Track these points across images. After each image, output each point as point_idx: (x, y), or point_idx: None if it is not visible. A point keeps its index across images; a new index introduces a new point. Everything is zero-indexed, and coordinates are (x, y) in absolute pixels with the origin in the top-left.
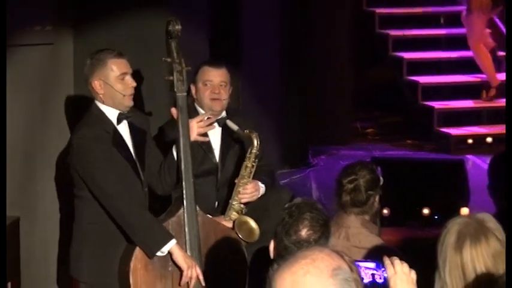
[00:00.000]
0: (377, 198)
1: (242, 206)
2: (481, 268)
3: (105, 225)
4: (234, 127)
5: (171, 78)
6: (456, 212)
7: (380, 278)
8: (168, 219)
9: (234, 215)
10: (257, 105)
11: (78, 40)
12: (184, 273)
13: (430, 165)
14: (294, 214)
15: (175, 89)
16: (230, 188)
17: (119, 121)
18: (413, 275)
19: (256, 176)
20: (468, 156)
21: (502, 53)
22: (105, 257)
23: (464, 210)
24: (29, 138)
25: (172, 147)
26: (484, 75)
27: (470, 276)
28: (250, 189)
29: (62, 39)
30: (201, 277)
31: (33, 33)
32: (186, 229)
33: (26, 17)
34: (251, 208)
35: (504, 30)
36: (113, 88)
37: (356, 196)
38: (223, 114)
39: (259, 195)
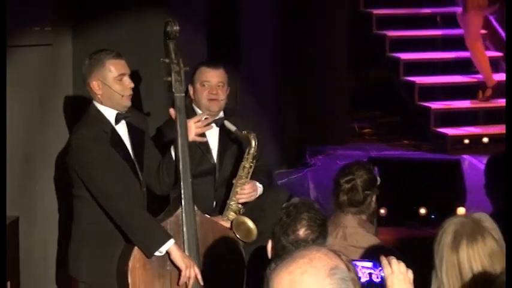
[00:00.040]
0: (374, 198)
1: (240, 206)
2: (477, 267)
3: (104, 225)
4: (232, 128)
5: (169, 78)
6: (453, 212)
7: (377, 278)
8: (167, 218)
9: (231, 215)
10: (255, 105)
11: (77, 41)
12: (183, 273)
13: (426, 165)
14: (292, 214)
15: (173, 90)
16: (228, 188)
17: (117, 121)
18: (410, 274)
19: (254, 176)
20: (464, 156)
21: (499, 54)
22: (103, 256)
23: (461, 210)
24: (28, 138)
25: (170, 147)
26: (480, 76)
27: (467, 275)
28: (248, 190)
29: (61, 40)
30: (199, 277)
31: (32, 34)
32: (184, 229)
33: (25, 18)
34: (249, 208)
35: (501, 31)
36: (111, 89)
37: (353, 196)
38: (221, 114)
39: (257, 196)
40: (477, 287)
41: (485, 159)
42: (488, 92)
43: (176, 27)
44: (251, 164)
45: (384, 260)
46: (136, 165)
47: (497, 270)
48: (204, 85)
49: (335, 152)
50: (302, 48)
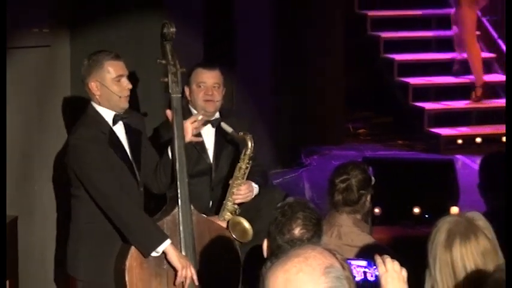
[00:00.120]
0: (368, 197)
1: (236, 206)
2: (470, 266)
3: (102, 225)
4: (229, 129)
5: (165, 79)
6: (446, 211)
7: (371, 276)
8: (163, 218)
9: (227, 215)
10: (251, 106)
11: (75, 42)
12: (179, 273)
13: (420, 165)
14: (287, 213)
15: (170, 91)
16: (224, 187)
17: (115, 122)
18: (404, 273)
19: (250, 177)
20: (458, 156)
21: (492, 55)
22: (101, 255)
23: (454, 209)
24: (26, 138)
25: (167, 148)
26: (473, 77)
27: (460, 274)
28: (243, 191)
29: (59, 41)
30: (194, 277)
31: (31, 36)
32: (181, 228)
33: (24, 20)
34: (244, 208)
35: (493, 32)
36: (109, 90)
37: (348, 195)
38: (217, 115)
39: (252, 196)
40: (470, 285)
41: (478, 159)
42: (479, 92)
43: (173, 29)
44: (247, 165)
45: (378, 259)
46: (134, 166)
47: (490, 269)
48: (200, 86)
49: (330, 152)
50: (297, 50)
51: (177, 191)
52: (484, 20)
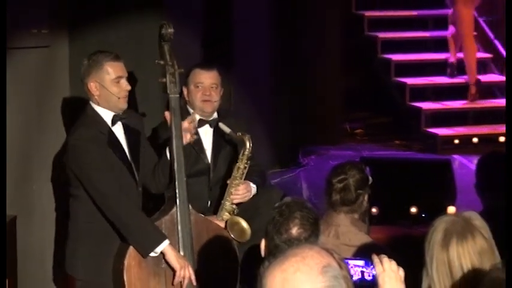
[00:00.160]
0: (366, 197)
1: (234, 206)
2: (467, 265)
3: (101, 224)
4: (227, 130)
5: (164, 80)
6: (443, 211)
7: (369, 276)
8: (162, 217)
9: (226, 215)
10: (249, 106)
11: (74, 43)
12: (177, 273)
13: (417, 165)
14: (285, 213)
15: (168, 91)
16: (222, 187)
17: (114, 122)
18: (401, 272)
19: (248, 177)
20: (455, 156)
21: (488, 55)
22: (100, 255)
23: (451, 209)
24: (25, 138)
25: (165, 148)
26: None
27: (457, 273)
28: (242, 191)
29: (57, 42)
30: (192, 277)
31: (30, 36)
32: (179, 227)
33: (23, 20)
34: (242, 207)
35: (489, 33)
36: (108, 91)
37: (345, 195)
38: (215, 115)
39: (250, 196)
40: (467, 284)
41: (475, 159)
42: (473, 89)
43: (171, 30)
44: (245, 165)
45: (375, 259)
46: (133, 166)
47: (487, 268)
48: (197, 87)
49: (327, 152)
50: (295, 50)
51: (175, 191)
52: (481, 20)
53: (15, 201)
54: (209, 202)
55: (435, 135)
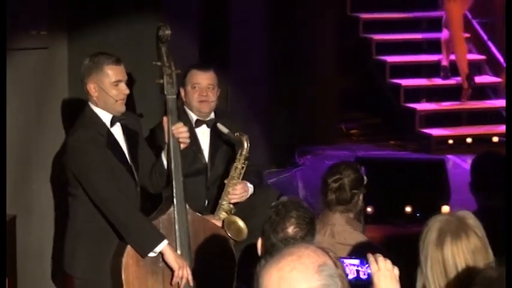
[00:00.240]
0: (361, 196)
1: (231, 206)
2: (461, 264)
3: (99, 223)
4: (225, 130)
5: (161, 81)
6: (437, 210)
7: (364, 274)
8: (159, 217)
9: (223, 214)
10: (245, 107)
11: (73, 44)
12: (176, 273)
13: (412, 164)
14: (281, 212)
15: (165, 92)
16: (220, 187)
17: (112, 124)
18: (396, 271)
19: (245, 177)
20: (449, 156)
21: (481, 57)
22: (99, 254)
23: (445, 208)
24: (25, 139)
25: (162, 149)
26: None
27: (451, 271)
28: (239, 190)
29: (56, 44)
30: (190, 277)
31: (29, 38)
32: (176, 227)
33: (22, 22)
34: (239, 207)
35: (483, 34)
36: (107, 93)
37: (341, 195)
38: (212, 115)
39: (248, 196)
40: (461, 283)
41: (469, 159)
42: (465, 84)
43: (168, 32)
44: (243, 165)
45: (370, 258)
46: (132, 166)
47: (481, 267)
48: (194, 87)
49: (323, 152)
50: (291, 51)
51: (173, 191)
52: (474, 22)
53: (14, 200)
54: (206, 201)
55: (429, 136)
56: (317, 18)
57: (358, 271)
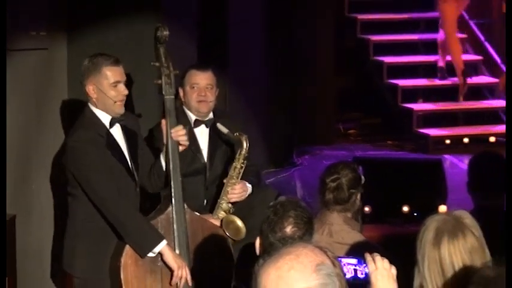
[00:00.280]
0: (359, 196)
1: (230, 205)
2: (458, 263)
3: (99, 223)
4: (225, 130)
5: (159, 81)
6: (434, 210)
7: (362, 274)
8: (157, 216)
9: (221, 213)
10: (243, 107)
11: (72, 45)
12: (175, 273)
13: (409, 164)
14: (279, 212)
15: (163, 92)
16: (219, 186)
17: (112, 124)
18: (393, 270)
19: (244, 177)
20: (446, 156)
21: (478, 57)
22: (98, 253)
23: (442, 208)
24: (24, 139)
25: (160, 150)
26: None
27: (448, 271)
28: (238, 190)
29: (56, 45)
30: (189, 277)
31: (28, 39)
32: (175, 226)
33: (21, 23)
34: (238, 206)
35: (480, 35)
36: (105, 95)
37: (339, 194)
38: (211, 115)
39: (246, 195)
40: (458, 282)
41: (465, 159)
42: (461, 80)
43: (166, 32)
44: (242, 165)
45: (368, 257)
46: (132, 167)
47: (477, 266)
48: (193, 87)
49: (321, 152)
50: (289, 52)
51: (171, 190)
52: (471, 23)
53: (14, 200)
54: (205, 201)
55: (427, 136)
56: (315, 19)
57: (355, 270)
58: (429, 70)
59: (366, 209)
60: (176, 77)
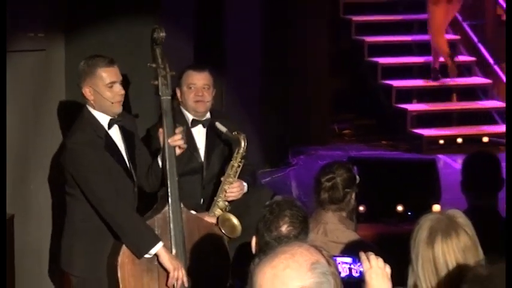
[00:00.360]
0: (353, 195)
1: (226, 203)
2: (451, 262)
3: (96, 222)
4: (223, 129)
5: (156, 82)
6: (428, 209)
7: (356, 272)
8: (154, 216)
9: (218, 211)
10: (239, 107)
11: (70, 46)
12: (171, 274)
13: (403, 164)
14: (275, 211)
15: (160, 93)
16: (215, 185)
17: (110, 126)
18: (387, 269)
19: (240, 176)
20: (440, 155)
21: (471, 59)
22: (96, 252)
23: (436, 207)
24: (22, 140)
25: (158, 151)
26: (456, 80)
27: (442, 269)
28: (236, 188)
29: (54, 46)
30: (185, 279)
31: (26, 40)
32: (171, 226)
33: (20, 24)
34: (234, 205)
35: (473, 36)
36: (102, 96)
37: (334, 194)
38: (208, 115)
39: (242, 194)
40: (451, 280)
41: (459, 159)
42: (449, 62)
43: (162, 34)
44: (239, 164)
45: (362, 256)
46: (130, 167)
47: (471, 265)
48: (190, 87)
49: (316, 152)
50: (285, 53)
51: (167, 190)
52: (465, 24)
53: (13, 200)
54: (202, 200)
55: (421, 136)
56: (310, 20)
57: (350, 269)
58: (423, 71)
59: (361, 208)
60: (173, 78)
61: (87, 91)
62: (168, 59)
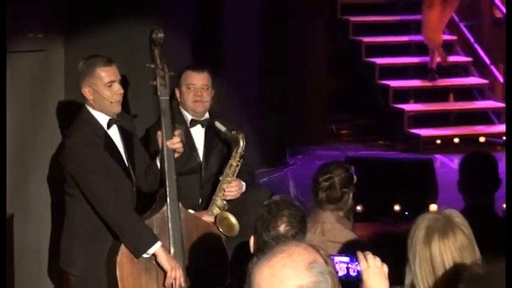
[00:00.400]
0: (351, 195)
1: (225, 202)
2: (448, 261)
3: (95, 222)
4: (222, 128)
5: (154, 83)
6: (425, 208)
7: (354, 272)
8: (153, 215)
9: (216, 210)
10: (237, 107)
11: (69, 47)
12: (168, 274)
13: (400, 164)
14: (273, 211)
15: (158, 93)
16: (214, 185)
17: (109, 126)
18: (385, 268)
19: (238, 175)
20: (436, 155)
21: (468, 59)
22: (95, 252)
23: (433, 207)
24: (22, 140)
25: (156, 151)
26: (452, 80)
27: (439, 268)
28: (234, 187)
29: (53, 46)
30: (182, 279)
31: (26, 40)
32: (170, 225)
33: (19, 25)
34: (232, 204)
35: (470, 36)
36: (101, 95)
37: (331, 193)
38: (206, 115)
39: (241, 193)
40: (448, 279)
41: (456, 159)
42: (441, 54)
43: (161, 35)
44: (238, 163)
45: (360, 255)
46: (129, 167)
47: (468, 264)
48: (189, 88)
49: (314, 152)
50: (282, 53)
51: (166, 190)
52: (461, 25)
53: (12, 200)
54: (200, 200)
55: (418, 136)
56: (308, 21)
57: (348, 268)
58: (420, 71)
59: (358, 208)
60: (171, 78)
61: (86, 91)
62: (167, 59)
